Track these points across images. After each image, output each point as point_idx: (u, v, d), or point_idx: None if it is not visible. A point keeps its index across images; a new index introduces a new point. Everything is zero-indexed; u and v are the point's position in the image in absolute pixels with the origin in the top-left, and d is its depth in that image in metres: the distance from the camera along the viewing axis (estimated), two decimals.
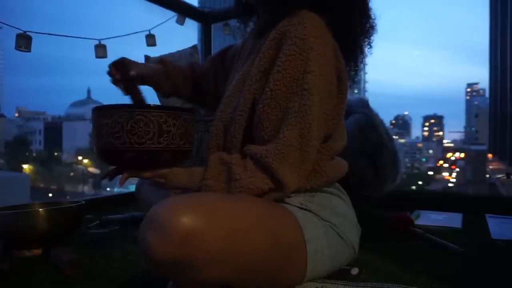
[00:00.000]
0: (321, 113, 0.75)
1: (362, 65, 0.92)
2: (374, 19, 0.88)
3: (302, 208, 0.77)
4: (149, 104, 0.70)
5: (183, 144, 0.71)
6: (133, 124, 0.66)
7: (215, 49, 2.40)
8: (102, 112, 0.69)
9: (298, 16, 0.76)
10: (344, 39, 0.83)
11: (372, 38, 0.89)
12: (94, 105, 0.74)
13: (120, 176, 0.72)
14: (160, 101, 1.76)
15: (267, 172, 0.70)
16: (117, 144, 0.67)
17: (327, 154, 0.82)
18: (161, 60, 1.04)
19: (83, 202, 1.27)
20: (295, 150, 0.71)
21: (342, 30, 0.82)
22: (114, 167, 0.74)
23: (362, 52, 0.89)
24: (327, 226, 0.78)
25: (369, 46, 0.90)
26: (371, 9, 0.88)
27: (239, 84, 0.84)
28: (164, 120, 0.68)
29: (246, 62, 0.87)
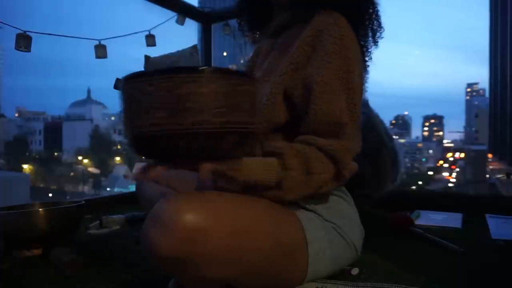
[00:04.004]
0: (360, 112, 0.79)
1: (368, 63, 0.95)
2: (380, 19, 0.91)
3: (305, 208, 0.77)
4: (210, 68, 0.50)
5: (252, 123, 0.54)
6: (195, 96, 0.47)
7: (215, 49, 2.40)
8: (148, 78, 0.48)
9: (332, 17, 0.80)
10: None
11: (378, 37, 0.92)
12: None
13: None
14: None
15: (336, 165, 0.73)
16: (169, 126, 0.48)
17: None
18: None
19: (83, 202, 1.27)
20: (356, 147, 0.76)
21: (359, 34, 0.86)
22: (153, 160, 0.56)
23: (369, 52, 0.93)
24: (329, 227, 0.78)
25: (375, 46, 0.93)
26: (378, 10, 0.91)
27: (265, 77, 0.86)
28: (232, 90, 0.50)
29: (266, 59, 0.90)
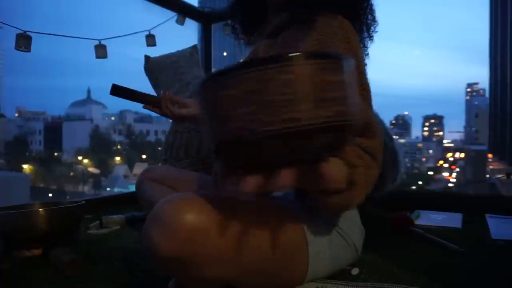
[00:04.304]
0: None
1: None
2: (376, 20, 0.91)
3: (306, 209, 0.77)
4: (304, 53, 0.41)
5: (350, 115, 0.43)
6: (278, 87, 0.39)
7: (215, 49, 2.40)
8: (223, 80, 0.41)
9: (336, 20, 0.80)
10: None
11: (373, 31, 0.92)
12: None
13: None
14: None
15: (377, 163, 0.69)
16: (261, 126, 0.40)
17: None
18: None
19: (83, 202, 1.27)
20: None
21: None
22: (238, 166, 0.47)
23: (366, 48, 0.94)
24: (330, 227, 0.78)
25: (370, 41, 0.93)
26: (372, 4, 0.91)
27: None
28: (322, 79, 0.41)
29: None
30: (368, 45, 0.93)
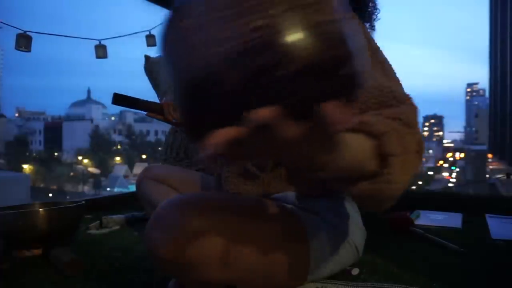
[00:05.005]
0: None
1: None
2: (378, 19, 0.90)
3: (306, 209, 0.77)
4: None
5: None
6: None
7: None
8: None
9: None
10: None
11: (375, 20, 0.91)
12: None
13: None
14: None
15: (414, 131, 0.53)
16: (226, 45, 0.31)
17: None
18: None
19: (83, 202, 1.27)
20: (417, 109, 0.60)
21: None
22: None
23: None
24: (331, 228, 0.78)
25: (372, 30, 0.92)
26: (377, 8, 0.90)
27: None
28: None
29: None
30: (372, 36, 0.92)
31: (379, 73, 0.65)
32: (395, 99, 0.58)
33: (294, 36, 0.30)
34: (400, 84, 0.67)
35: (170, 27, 0.37)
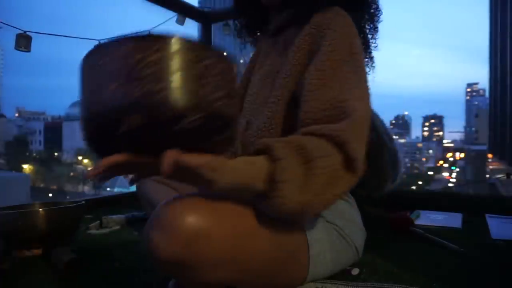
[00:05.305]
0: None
1: (371, 63, 0.94)
2: (380, 21, 0.90)
3: None
4: (174, 36, 0.44)
5: (230, 108, 0.47)
6: (204, 71, 0.42)
7: None
8: (143, 43, 0.42)
9: (331, 11, 0.78)
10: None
11: (376, 36, 0.91)
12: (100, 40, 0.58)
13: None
14: None
15: (343, 149, 0.60)
16: (173, 96, 0.41)
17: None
18: None
19: (83, 202, 1.27)
20: (365, 124, 0.66)
21: (358, 27, 0.84)
22: (123, 150, 0.46)
23: (371, 50, 0.92)
24: (331, 228, 0.78)
25: (375, 42, 0.92)
26: (379, 8, 0.90)
27: (265, 78, 0.84)
28: (234, 77, 0.46)
29: (266, 59, 0.88)
30: (377, 36, 0.91)
31: (339, 86, 0.68)
32: (344, 113, 0.63)
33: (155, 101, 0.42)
34: (363, 95, 0.70)
35: (92, 58, 0.45)
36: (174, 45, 0.43)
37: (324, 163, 0.57)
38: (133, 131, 0.42)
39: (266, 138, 0.69)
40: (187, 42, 0.44)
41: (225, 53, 0.47)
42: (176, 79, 0.41)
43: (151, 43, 0.42)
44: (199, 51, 0.44)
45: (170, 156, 0.45)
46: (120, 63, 0.42)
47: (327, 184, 0.58)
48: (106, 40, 0.44)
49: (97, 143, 0.47)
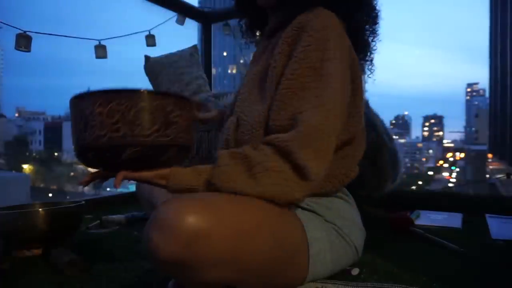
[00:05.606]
0: (342, 101, 0.74)
1: (371, 66, 0.93)
2: (378, 22, 0.89)
3: (306, 209, 0.77)
4: (152, 90, 0.59)
5: (189, 139, 0.63)
6: (137, 113, 0.55)
7: (215, 49, 2.40)
8: (95, 98, 0.57)
9: (313, 12, 0.77)
10: (356, 39, 0.83)
11: (376, 39, 0.90)
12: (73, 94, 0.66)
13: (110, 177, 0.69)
14: None
15: (289, 158, 0.65)
16: (115, 137, 0.56)
17: (357, 157, 0.83)
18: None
19: (83, 202, 1.27)
20: (320, 133, 0.68)
21: (353, 30, 0.83)
22: (99, 169, 0.68)
23: (371, 53, 0.91)
24: (330, 228, 0.78)
25: (374, 45, 0.90)
26: (377, 11, 0.88)
27: (256, 79, 0.84)
28: (171, 109, 0.59)
29: (260, 59, 0.88)
30: (376, 39, 0.89)
31: (302, 96, 0.71)
32: (296, 124, 0.68)
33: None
34: (322, 103, 0.70)
35: (72, 103, 0.60)
36: (112, 98, 0.56)
37: (262, 167, 0.65)
38: (97, 158, 0.61)
39: (260, 135, 0.73)
40: (120, 94, 0.57)
41: (161, 91, 0.62)
42: (115, 126, 0.56)
43: (98, 98, 0.57)
44: (134, 99, 0.57)
45: (120, 175, 0.64)
46: (82, 114, 0.58)
47: (273, 184, 0.65)
48: (83, 92, 0.59)
49: (81, 160, 0.65)
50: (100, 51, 1.92)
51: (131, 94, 0.56)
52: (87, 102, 0.58)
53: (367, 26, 0.88)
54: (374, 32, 0.89)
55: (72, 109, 0.60)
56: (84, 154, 0.62)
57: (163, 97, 0.59)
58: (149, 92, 0.58)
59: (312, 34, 0.74)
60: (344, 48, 0.77)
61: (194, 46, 1.92)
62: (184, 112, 0.61)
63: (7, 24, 1.64)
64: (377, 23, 0.89)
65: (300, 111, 0.69)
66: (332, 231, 0.78)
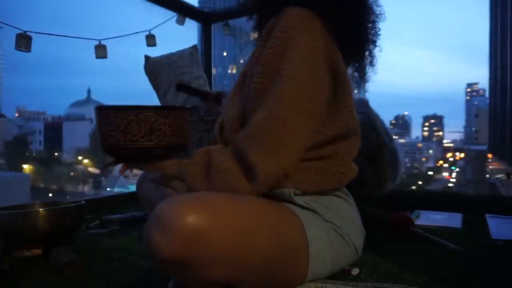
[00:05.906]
0: (303, 98, 0.73)
1: (371, 67, 0.91)
2: (378, 22, 0.88)
3: (306, 208, 0.77)
4: (143, 106, 0.74)
5: (174, 140, 0.75)
6: (126, 124, 0.71)
7: (215, 49, 2.40)
8: (100, 112, 0.75)
9: (284, 12, 0.76)
10: (344, 40, 0.81)
11: (377, 41, 0.88)
12: (94, 105, 0.79)
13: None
14: (160, 101, 1.76)
15: (239, 157, 0.70)
16: (113, 142, 0.73)
17: (353, 154, 0.83)
18: None
19: (83, 202, 1.27)
20: (268, 131, 0.70)
21: (340, 31, 0.80)
22: (114, 159, 0.81)
23: (369, 54, 0.89)
24: (329, 228, 0.78)
25: (373, 47, 0.88)
26: (374, 12, 0.87)
27: (239, 83, 0.86)
28: (154, 119, 0.72)
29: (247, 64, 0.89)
30: (377, 38, 0.87)
31: (260, 98, 0.73)
32: (248, 124, 0.74)
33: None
34: (272, 103, 0.71)
35: (104, 110, 0.74)
36: (110, 113, 0.72)
37: (215, 167, 0.72)
38: (108, 154, 0.78)
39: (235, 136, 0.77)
40: (115, 109, 0.72)
41: (177, 108, 0.76)
42: (111, 133, 0.72)
43: (102, 111, 0.73)
44: (124, 113, 0.71)
45: (124, 166, 0.79)
46: (112, 124, 0.72)
47: (223, 182, 0.70)
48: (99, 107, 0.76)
49: (111, 156, 0.79)
50: (100, 51, 1.92)
51: (123, 109, 0.72)
52: (96, 114, 0.76)
53: (362, 25, 0.85)
54: (371, 30, 0.87)
55: (95, 117, 0.77)
56: (103, 150, 0.78)
57: (147, 110, 0.72)
58: (136, 107, 0.73)
59: (276, 35, 0.74)
60: (313, 48, 0.75)
61: (194, 46, 1.92)
62: (168, 119, 0.73)
63: (7, 24, 1.64)
64: (375, 21, 0.86)
65: (254, 111, 0.74)
66: (331, 231, 0.78)
